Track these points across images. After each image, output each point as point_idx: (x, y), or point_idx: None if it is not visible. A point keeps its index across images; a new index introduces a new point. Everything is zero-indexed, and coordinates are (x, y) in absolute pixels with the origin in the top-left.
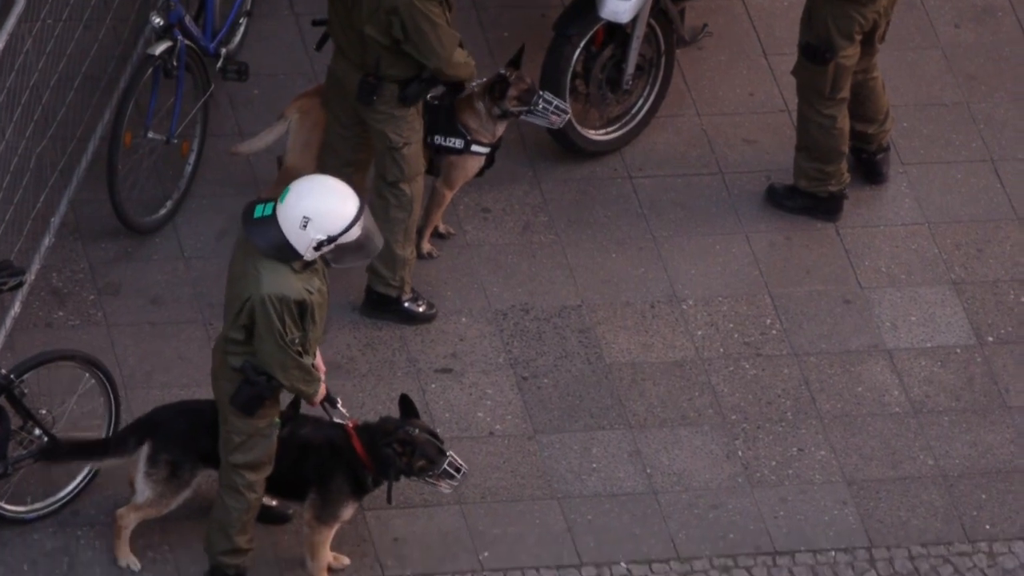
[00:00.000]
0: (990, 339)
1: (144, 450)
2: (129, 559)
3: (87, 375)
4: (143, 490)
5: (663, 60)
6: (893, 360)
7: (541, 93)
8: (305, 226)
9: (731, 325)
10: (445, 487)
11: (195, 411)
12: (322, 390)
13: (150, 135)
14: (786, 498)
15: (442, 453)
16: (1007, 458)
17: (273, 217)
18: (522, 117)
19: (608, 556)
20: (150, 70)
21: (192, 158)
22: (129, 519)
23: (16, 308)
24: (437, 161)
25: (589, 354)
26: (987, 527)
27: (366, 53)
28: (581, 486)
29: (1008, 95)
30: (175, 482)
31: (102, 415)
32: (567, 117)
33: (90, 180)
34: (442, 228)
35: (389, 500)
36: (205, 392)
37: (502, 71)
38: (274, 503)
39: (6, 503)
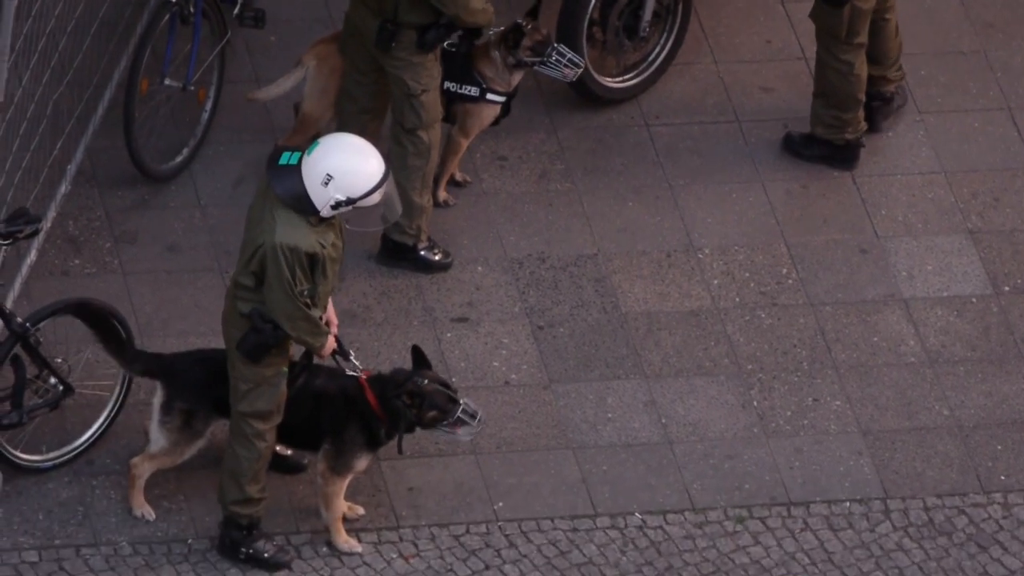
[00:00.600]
0: (1006, 288)
1: (158, 398)
2: (144, 509)
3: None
4: (157, 439)
5: (680, 7)
6: (909, 310)
7: (555, 45)
8: (327, 183)
9: (747, 274)
10: (463, 434)
11: (210, 359)
12: (330, 343)
13: (167, 82)
14: (801, 448)
15: (454, 401)
16: (1023, 408)
17: (297, 167)
18: (535, 68)
19: (623, 506)
20: (167, 16)
21: (209, 105)
22: (143, 468)
23: (32, 256)
24: (453, 109)
25: (605, 303)
26: (1002, 478)
27: None
28: (596, 436)
29: None
30: (189, 431)
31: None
32: (580, 71)
33: (106, 127)
34: (459, 176)
35: (400, 450)
36: (221, 341)
37: (519, 21)
38: (289, 452)
39: (22, 452)
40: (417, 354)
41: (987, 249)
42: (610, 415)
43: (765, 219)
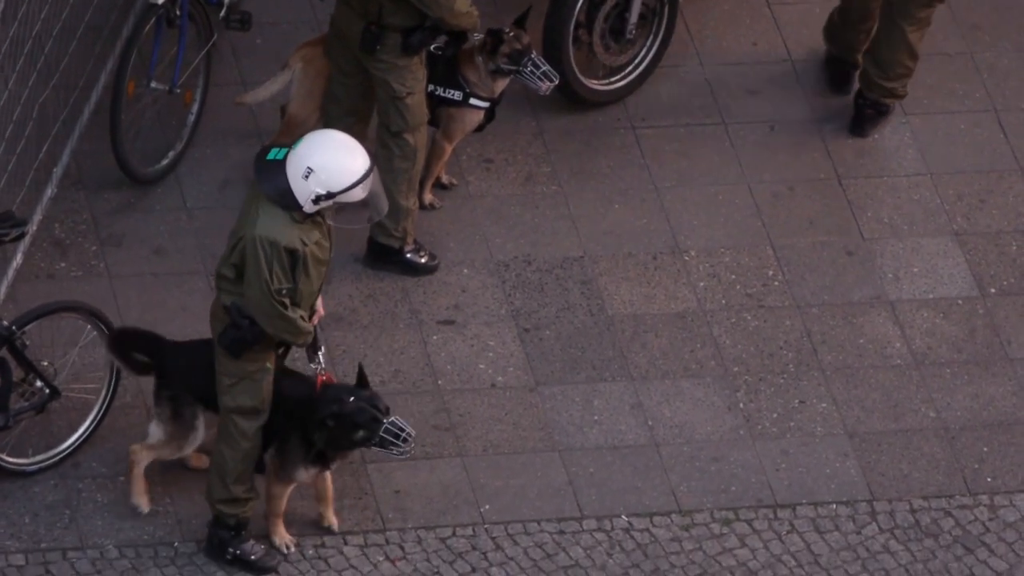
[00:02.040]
0: (992, 291)
1: (153, 388)
2: (140, 499)
3: (89, 327)
4: (153, 430)
5: (666, 9)
6: (895, 312)
7: (532, 56)
8: (307, 177)
9: (733, 276)
10: (396, 453)
11: (195, 348)
12: (305, 340)
13: (153, 85)
14: (787, 451)
15: (375, 422)
16: (1009, 410)
17: (283, 163)
18: (514, 77)
19: (609, 509)
20: (153, 19)
21: (195, 108)
22: (141, 455)
23: (18, 259)
24: (437, 113)
25: (591, 305)
26: (988, 480)
27: (368, 1)
28: (583, 438)
29: (1012, 45)
30: (180, 422)
31: (104, 367)
32: (554, 84)
33: (93, 130)
34: (444, 179)
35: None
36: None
37: (502, 27)
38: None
39: (7, 455)
40: (360, 373)
41: (973, 251)
42: (596, 417)
43: (751, 221)
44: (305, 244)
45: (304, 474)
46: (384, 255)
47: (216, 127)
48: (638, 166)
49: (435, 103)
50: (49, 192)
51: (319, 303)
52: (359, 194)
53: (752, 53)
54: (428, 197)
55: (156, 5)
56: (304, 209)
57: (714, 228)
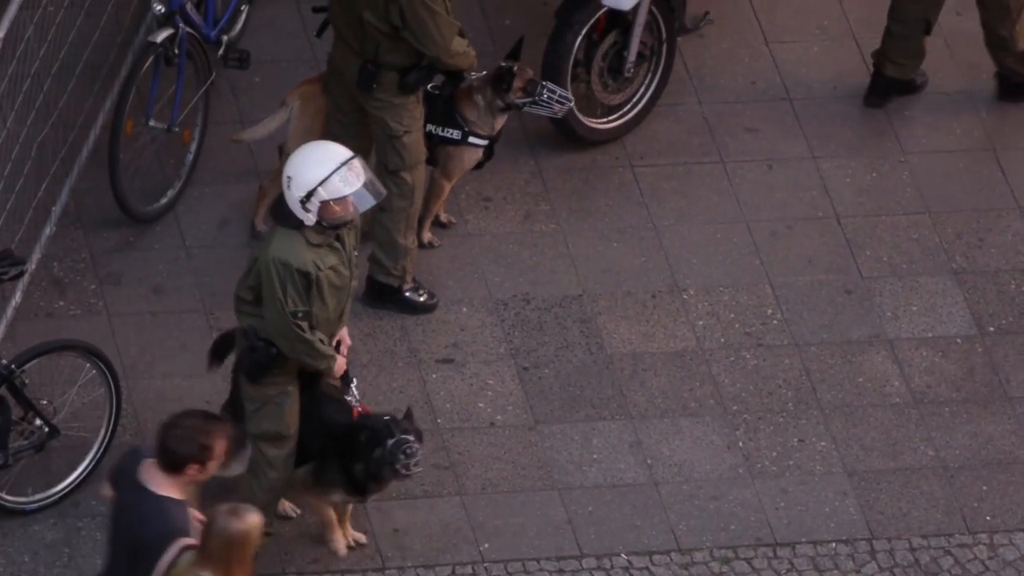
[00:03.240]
0: (991, 329)
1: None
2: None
3: (88, 365)
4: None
5: (664, 48)
6: (894, 350)
7: (544, 83)
8: (289, 186)
9: (732, 315)
10: (402, 468)
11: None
12: (340, 364)
13: (151, 123)
14: (787, 489)
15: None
16: (1008, 449)
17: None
18: (526, 108)
19: (609, 547)
20: (151, 58)
21: (194, 146)
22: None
23: (17, 297)
24: (435, 152)
25: (590, 344)
26: (988, 518)
27: (365, 40)
28: (582, 477)
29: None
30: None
31: (103, 405)
32: (570, 106)
33: (91, 169)
34: (443, 217)
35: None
36: (207, 382)
37: (503, 63)
38: None
39: (7, 494)
40: (407, 413)
41: (972, 290)
42: (595, 456)
43: (750, 259)
44: (319, 268)
45: (339, 497)
46: (383, 294)
47: (215, 166)
48: (636, 204)
49: (434, 142)
50: (48, 231)
51: (344, 334)
52: (341, 187)
53: (750, 91)
54: (427, 236)
55: (154, 43)
56: (305, 222)
57: (713, 266)
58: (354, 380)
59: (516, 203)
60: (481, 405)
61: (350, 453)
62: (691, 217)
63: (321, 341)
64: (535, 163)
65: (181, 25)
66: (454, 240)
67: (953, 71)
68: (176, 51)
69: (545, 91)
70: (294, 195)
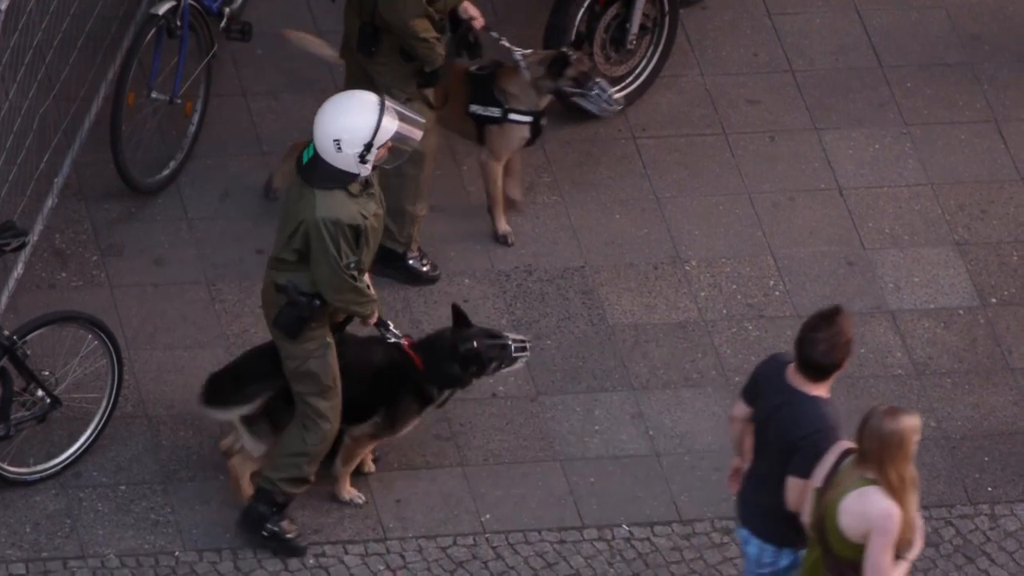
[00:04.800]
0: (993, 300)
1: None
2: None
3: (90, 336)
4: (253, 444)
5: (667, 20)
6: (896, 321)
7: (598, 80)
8: (340, 148)
9: (734, 286)
10: (520, 364)
11: (264, 352)
12: (375, 310)
13: (153, 95)
14: None
15: (505, 347)
16: (1010, 420)
17: (316, 155)
18: (573, 99)
19: (610, 518)
20: (154, 30)
21: (196, 118)
22: (244, 467)
23: (19, 269)
24: (482, 132)
25: (592, 315)
26: (989, 489)
27: None
28: (583, 448)
29: (1012, 55)
30: (280, 431)
31: (104, 376)
32: (617, 109)
33: (93, 141)
34: (516, 195)
35: (441, 404)
36: (209, 352)
37: (564, 49)
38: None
39: (8, 465)
40: (456, 313)
41: (974, 261)
42: (597, 427)
43: (752, 231)
44: (365, 217)
45: (412, 425)
46: (387, 259)
47: (217, 138)
48: (639, 176)
49: (479, 123)
50: (50, 202)
51: (368, 279)
52: (392, 125)
53: (753, 63)
54: (502, 226)
55: (157, 16)
56: (362, 174)
57: (714, 238)
58: (389, 322)
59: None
60: (483, 376)
61: (421, 379)
62: (693, 189)
63: (368, 287)
64: None
65: None
66: (456, 212)
67: (955, 42)
68: (178, 23)
69: (596, 88)
70: (350, 153)
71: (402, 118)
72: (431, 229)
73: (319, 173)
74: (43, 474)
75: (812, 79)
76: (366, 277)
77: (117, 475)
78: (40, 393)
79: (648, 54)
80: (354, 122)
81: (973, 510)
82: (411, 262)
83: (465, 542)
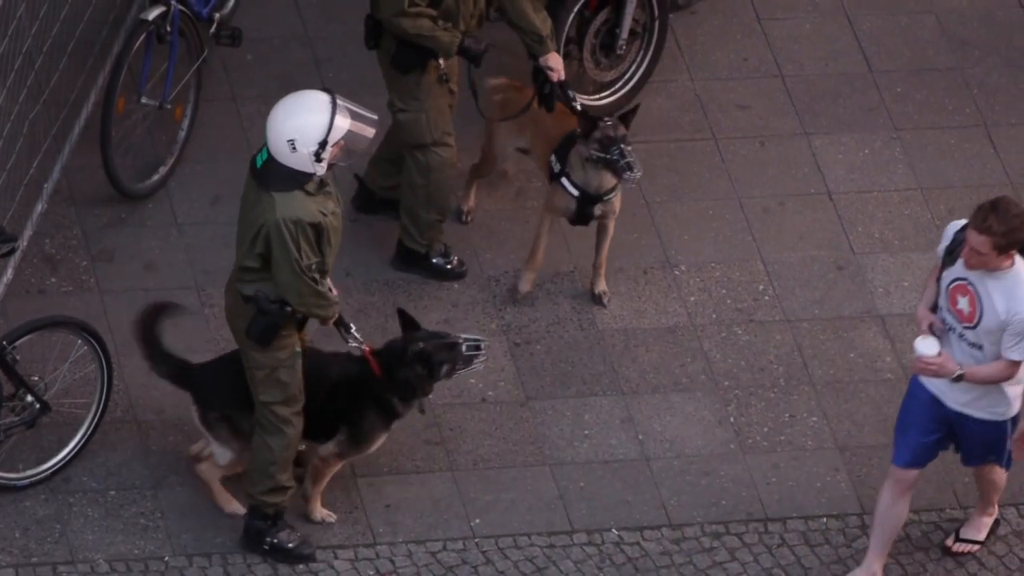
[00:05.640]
0: None
1: (195, 417)
2: (234, 506)
3: (79, 342)
4: (220, 451)
5: (656, 24)
6: (886, 326)
7: (622, 147)
8: (295, 148)
9: (724, 291)
10: (477, 366)
11: (230, 361)
12: (337, 312)
13: (143, 101)
14: (778, 464)
15: (454, 347)
16: None
17: (271, 157)
18: (598, 162)
19: (600, 523)
20: (143, 35)
21: (185, 124)
22: (213, 474)
23: (9, 274)
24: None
25: (582, 320)
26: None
27: None
28: (573, 453)
29: (1001, 60)
30: (242, 437)
31: (94, 382)
32: (636, 176)
33: (83, 146)
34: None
35: (422, 411)
36: (198, 358)
37: (605, 118)
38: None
39: None
40: (403, 316)
41: None
42: (587, 432)
43: (741, 236)
44: (324, 215)
45: (380, 442)
46: (411, 259)
47: (206, 143)
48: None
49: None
50: (40, 208)
51: (329, 282)
52: (344, 123)
53: (742, 68)
54: (601, 286)
55: (147, 21)
56: (317, 172)
57: (704, 243)
58: (351, 324)
59: (508, 180)
60: (473, 381)
61: (380, 389)
62: (683, 193)
63: (329, 290)
64: None
65: (173, 2)
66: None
67: (944, 47)
68: (168, 28)
69: (618, 152)
70: (304, 153)
71: (354, 116)
72: None
73: (275, 176)
74: (33, 479)
75: (802, 84)
76: (328, 280)
77: (107, 480)
78: (29, 398)
79: (638, 59)
80: (307, 121)
81: (963, 514)
82: (435, 261)
83: (455, 547)
